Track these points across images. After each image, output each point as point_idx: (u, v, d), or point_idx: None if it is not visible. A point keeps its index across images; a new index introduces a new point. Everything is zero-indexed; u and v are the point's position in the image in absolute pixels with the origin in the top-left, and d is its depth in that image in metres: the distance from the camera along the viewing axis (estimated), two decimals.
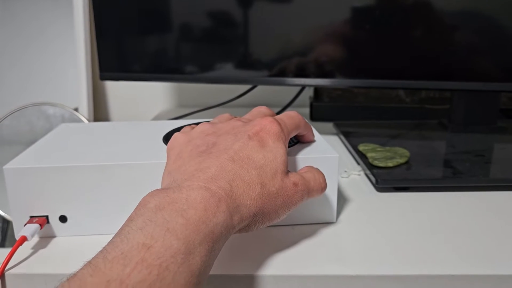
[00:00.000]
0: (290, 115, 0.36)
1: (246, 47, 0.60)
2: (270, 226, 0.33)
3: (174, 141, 0.35)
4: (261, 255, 0.35)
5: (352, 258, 0.35)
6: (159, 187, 0.35)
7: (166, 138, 0.43)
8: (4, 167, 0.36)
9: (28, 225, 0.36)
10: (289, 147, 0.40)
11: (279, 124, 0.33)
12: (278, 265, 0.34)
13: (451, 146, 0.58)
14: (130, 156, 0.38)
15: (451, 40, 0.56)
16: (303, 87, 0.76)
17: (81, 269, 0.22)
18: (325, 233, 0.38)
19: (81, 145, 0.41)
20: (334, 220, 0.40)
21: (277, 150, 0.32)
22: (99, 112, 0.93)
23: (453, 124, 0.65)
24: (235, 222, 0.28)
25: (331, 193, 0.39)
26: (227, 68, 0.61)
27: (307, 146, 0.40)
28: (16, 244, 0.34)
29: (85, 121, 0.76)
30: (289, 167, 0.34)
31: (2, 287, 0.33)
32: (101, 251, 0.23)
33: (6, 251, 0.34)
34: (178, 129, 0.45)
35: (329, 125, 0.71)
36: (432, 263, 0.34)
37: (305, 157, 0.37)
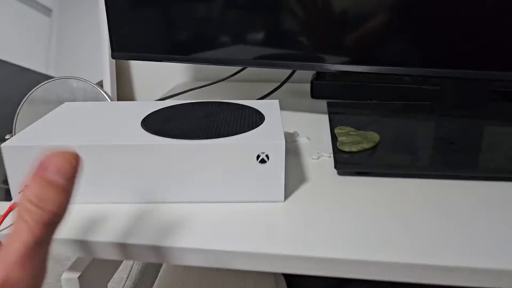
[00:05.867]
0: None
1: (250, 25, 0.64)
2: (207, 201, 0.38)
3: None
4: (189, 229, 0.39)
5: (283, 238, 0.38)
6: (138, 167, 0.41)
7: (144, 122, 0.48)
8: (1, 145, 0.43)
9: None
10: (252, 129, 0.44)
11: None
12: (197, 238, 0.38)
13: (428, 132, 0.59)
14: (108, 138, 0.43)
15: (441, 26, 0.56)
16: None
17: None
18: (264, 212, 0.42)
19: (75, 126, 0.48)
20: (282, 200, 0.44)
21: None
22: (122, 84, 1.01)
23: (441, 108, 0.66)
24: None
25: (279, 174, 0.42)
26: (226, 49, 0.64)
27: (262, 130, 0.44)
28: (8, 209, 0.41)
29: (104, 94, 0.84)
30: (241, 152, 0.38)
31: None
32: None
33: None
34: (159, 111, 0.51)
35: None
36: (369, 248, 0.35)
37: (253, 144, 0.41)
